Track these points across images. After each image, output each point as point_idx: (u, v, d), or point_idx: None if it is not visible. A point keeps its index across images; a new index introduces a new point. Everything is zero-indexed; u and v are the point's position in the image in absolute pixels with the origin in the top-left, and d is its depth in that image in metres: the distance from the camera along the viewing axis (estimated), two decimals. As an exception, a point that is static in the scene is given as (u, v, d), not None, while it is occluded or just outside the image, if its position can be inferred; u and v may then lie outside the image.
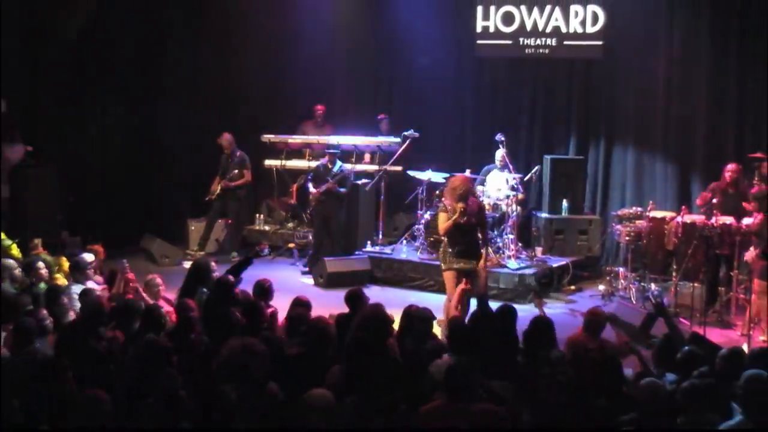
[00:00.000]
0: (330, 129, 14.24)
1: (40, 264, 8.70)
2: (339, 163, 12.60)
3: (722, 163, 11.13)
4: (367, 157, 13.83)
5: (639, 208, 11.61)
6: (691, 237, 10.25)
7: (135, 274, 8.91)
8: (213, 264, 8.61)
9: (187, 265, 10.26)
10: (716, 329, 9.74)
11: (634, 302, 10.70)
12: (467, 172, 12.49)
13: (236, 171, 13.11)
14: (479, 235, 9.36)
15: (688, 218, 10.52)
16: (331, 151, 12.66)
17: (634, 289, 11.02)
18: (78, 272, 8.59)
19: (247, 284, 8.30)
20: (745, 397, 5.02)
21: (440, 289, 11.42)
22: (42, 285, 8.39)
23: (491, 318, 7.22)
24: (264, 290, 7.89)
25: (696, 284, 10.11)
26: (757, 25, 12.09)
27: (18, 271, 8.61)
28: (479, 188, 11.85)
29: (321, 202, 12.40)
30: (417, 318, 6.94)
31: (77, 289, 8.21)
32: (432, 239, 11.99)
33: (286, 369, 6.06)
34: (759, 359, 5.77)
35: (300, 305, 7.44)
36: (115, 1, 13.83)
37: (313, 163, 13.30)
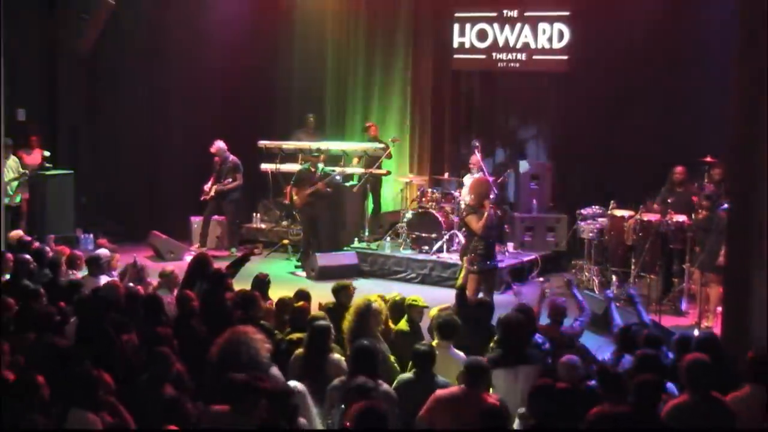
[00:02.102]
0: (321, 135, 14.32)
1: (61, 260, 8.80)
2: (321, 165, 12.54)
3: (677, 165, 11.25)
4: (354, 161, 13.91)
5: (601, 208, 11.73)
6: (648, 233, 10.41)
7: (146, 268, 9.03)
8: (211, 259, 8.69)
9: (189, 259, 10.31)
10: (670, 317, 9.89)
11: (596, 292, 10.82)
12: (446, 175, 12.63)
13: (229, 176, 13.17)
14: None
15: (646, 216, 10.66)
16: (314, 155, 12.64)
17: (596, 281, 11.17)
18: (93, 267, 8.65)
19: (246, 278, 8.38)
20: (687, 377, 5.25)
21: (422, 281, 11.56)
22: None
23: (470, 310, 7.36)
24: (262, 283, 7.99)
25: (652, 276, 10.27)
26: (711, 39, 12.22)
27: (33, 265, 8.66)
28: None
29: (309, 204, 12.32)
30: (410, 308, 7.28)
31: (92, 282, 8.27)
32: (414, 236, 12.10)
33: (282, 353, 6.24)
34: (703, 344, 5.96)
35: (299, 297, 7.57)
36: (121, 19, 13.87)
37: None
